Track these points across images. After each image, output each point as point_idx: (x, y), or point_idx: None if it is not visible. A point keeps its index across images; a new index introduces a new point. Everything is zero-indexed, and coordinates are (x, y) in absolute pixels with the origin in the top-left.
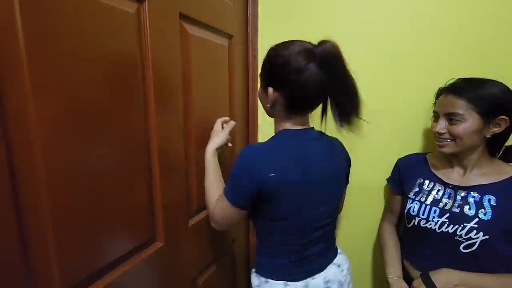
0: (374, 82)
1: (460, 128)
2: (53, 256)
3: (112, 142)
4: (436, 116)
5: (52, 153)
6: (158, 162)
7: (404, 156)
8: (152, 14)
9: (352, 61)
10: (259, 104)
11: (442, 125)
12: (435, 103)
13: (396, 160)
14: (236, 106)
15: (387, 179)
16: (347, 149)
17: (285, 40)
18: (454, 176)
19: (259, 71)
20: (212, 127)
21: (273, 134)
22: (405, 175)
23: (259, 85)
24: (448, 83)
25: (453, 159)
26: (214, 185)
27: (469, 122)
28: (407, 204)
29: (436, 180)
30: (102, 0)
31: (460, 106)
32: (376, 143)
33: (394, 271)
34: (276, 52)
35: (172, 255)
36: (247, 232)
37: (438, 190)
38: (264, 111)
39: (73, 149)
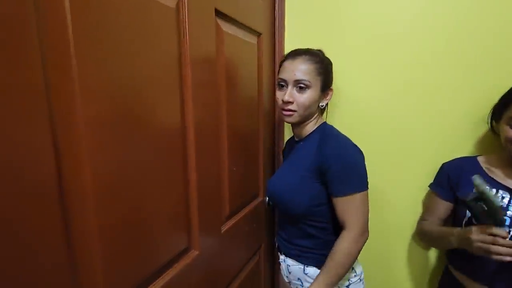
0: (413, 81)
1: None
2: (99, 268)
3: (151, 142)
4: None
5: (98, 155)
6: (195, 165)
7: (451, 161)
8: (191, 9)
9: (386, 58)
10: None
11: None
12: (504, 105)
13: (438, 165)
14: (264, 104)
15: (431, 185)
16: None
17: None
18: None
19: (307, 77)
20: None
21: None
22: (457, 181)
23: (309, 92)
24: None
25: None
26: (338, 265)
27: None
28: (467, 212)
29: (498, 186)
30: None
31: None
32: (415, 146)
33: (456, 229)
34: (327, 58)
35: (207, 263)
36: (272, 236)
37: (503, 197)
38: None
39: (117, 151)
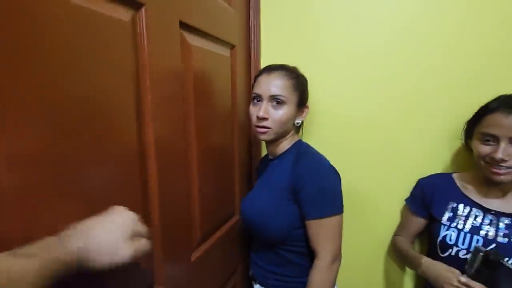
0: (390, 97)
1: None
2: None
3: (104, 169)
4: (489, 139)
5: (32, 191)
6: (157, 188)
7: (427, 177)
8: (150, 22)
9: (362, 73)
10: None
11: (508, 151)
12: (475, 121)
13: (414, 181)
14: (239, 118)
15: (406, 200)
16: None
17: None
18: (492, 200)
19: (283, 92)
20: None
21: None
22: (431, 198)
23: (284, 108)
24: (501, 99)
25: (491, 182)
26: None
27: None
28: (441, 231)
29: (472, 204)
30: (90, 7)
31: None
32: (393, 161)
33: (425, 258)
34: (302, 75)
35: None
36: (247, 260)
37: (476, 216)
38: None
39: (62, 179)
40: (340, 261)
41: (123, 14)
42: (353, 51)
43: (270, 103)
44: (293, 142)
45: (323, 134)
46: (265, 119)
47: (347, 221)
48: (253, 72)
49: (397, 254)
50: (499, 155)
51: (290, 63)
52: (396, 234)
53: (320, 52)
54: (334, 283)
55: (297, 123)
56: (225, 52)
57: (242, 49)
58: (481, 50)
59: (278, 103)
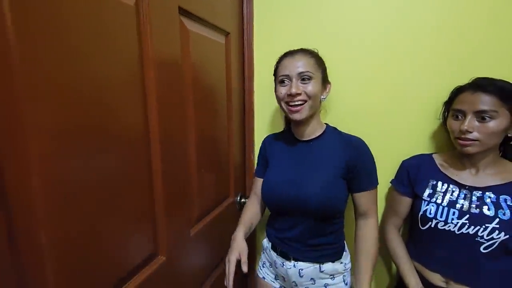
0: (374, 82)
1: (492, 126)
2: (51, 281)
3: (111, 148)
4: (458, 114)
5: (48, 164)
6: (160, 167)
7: (410, 158)
8: (152, 6)
9: (350, 60)
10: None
11: (472, 123)
12: (450, 101)
13: (398, 162)
14: (234, 104)
15: (392, 181)
16: None
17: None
18: (467, 176)
19: (309, 69)
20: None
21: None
22: (415, 177)
23: (313, 83)
24: (472, 80)
25: (465, 159)
26: None
27: (500, 119)
28: (422, 206)
29: (449, 181)
30: None
31: (493, 103)
32: (377, 144)
33: (416, 281)
34: (320, 56)
35: (175, 269)
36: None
37: (453, 191)
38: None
39: (70, 159)
40: None
41: None
42: (342, 39)
43: (299, 81)
44: (323, 123)
45: None
46: (298, 94)
47: None
48: (247, 59)
49: (387, 247)
50: (464, 126)
51: (282, 51)
52: (387, 221)
53: (310, 40)
54: None
55: (323, 99)
56: (220, 38)
57: (236, 37)
58: (461, 36)
59: (305, 79)
